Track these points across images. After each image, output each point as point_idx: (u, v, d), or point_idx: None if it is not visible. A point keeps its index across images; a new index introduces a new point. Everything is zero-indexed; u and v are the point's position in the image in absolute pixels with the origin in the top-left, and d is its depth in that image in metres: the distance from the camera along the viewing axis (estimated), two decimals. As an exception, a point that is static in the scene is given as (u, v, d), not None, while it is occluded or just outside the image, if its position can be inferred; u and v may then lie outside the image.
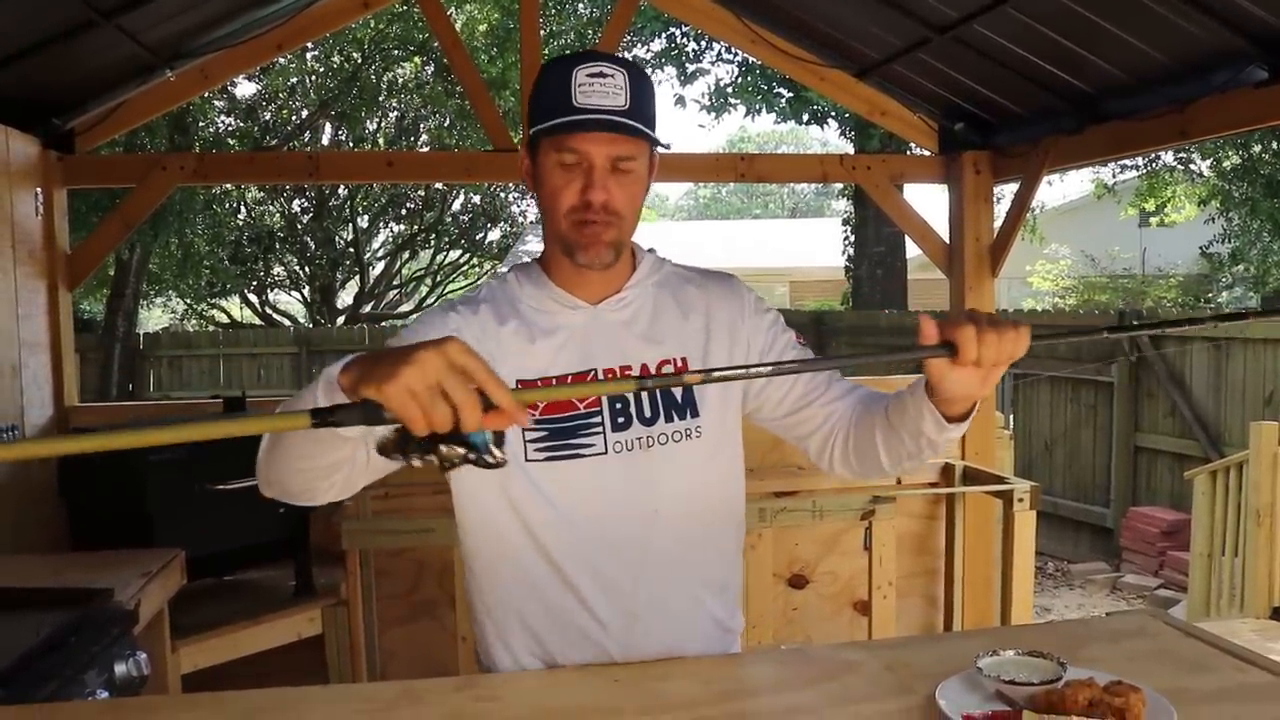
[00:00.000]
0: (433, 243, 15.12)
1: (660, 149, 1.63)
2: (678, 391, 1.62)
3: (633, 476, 1.57)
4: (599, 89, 1.51)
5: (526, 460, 1.56)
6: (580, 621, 1.58)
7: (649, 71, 13.69)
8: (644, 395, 1.61)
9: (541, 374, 1.58)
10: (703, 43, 12.82)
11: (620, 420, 1.58)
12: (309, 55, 11.95)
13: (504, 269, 2.04)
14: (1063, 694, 1.30)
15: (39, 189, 3.69)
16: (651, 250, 1.74)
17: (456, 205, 14.58)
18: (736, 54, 12.49)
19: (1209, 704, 1.38)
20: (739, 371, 1.55)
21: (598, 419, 1.58)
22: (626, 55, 12.92)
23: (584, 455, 1.57)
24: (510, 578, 1.60)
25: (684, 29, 12.58)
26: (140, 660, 2.16)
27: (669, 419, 1.60)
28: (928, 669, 1.46)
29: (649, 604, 1.59)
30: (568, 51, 11.62)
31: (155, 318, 19.04)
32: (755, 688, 1.45)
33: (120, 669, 2.09)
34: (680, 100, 13.60)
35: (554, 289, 1.64)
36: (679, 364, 1.63)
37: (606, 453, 1.57)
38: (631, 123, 1.52)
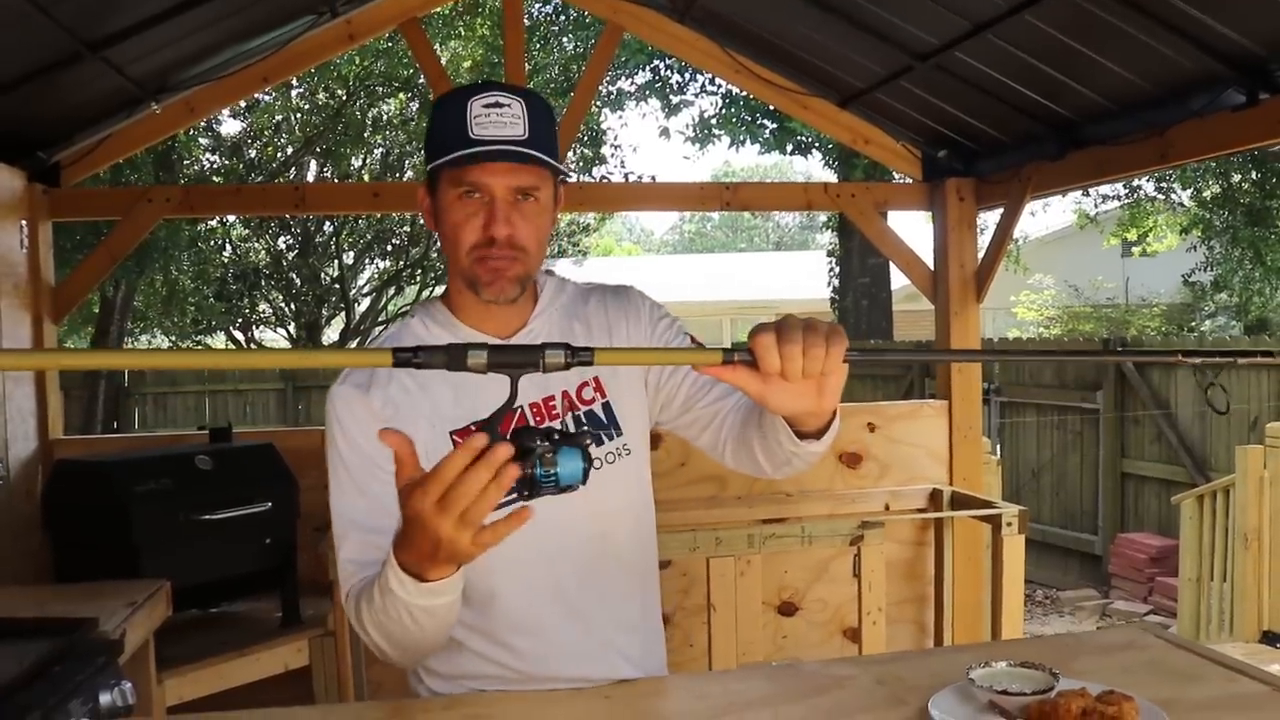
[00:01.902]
0: (418, 279, 15.11)
1: (564, 179, 1.60)
2: (600, 412, 1.62)
3: (576, 504, 1.46)
4: (495, 119, 1.47)
5: None
6: (543, 652, 1.58)
7: (633, 104, 13.80)
8: (570, 422, 1.59)
9: (470, 419, 1.51)
10: (687, 75, 12.91)
11: None
12: (294, 92, 11.98)
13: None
14: (1055, 703, 1.30)
15: (24, 221, 3.69)
16: (549, 272, 1.73)
17: (442, 241, 14.61)
18: (720, 86, 12.58)
19: (1201, 713, 1.38)
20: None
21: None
22: (611, 89, 13.01)
23: None
24: (480, 610, 1.59)
25: (668, 61, 12.67)
26: (125, 690, 2.13)
27: (599, 442, 1.59)
28: (919, 682, 1.46)
29: (614, 625, 1.61)
30: (551, 87, 11.74)
31: (140, 355, 18.94)
32: (748, 702, 1.44)
33: (105, 699, 2.06)
34: (665, 132, 13.69)
35: (462, 328, 1.61)
36: (594, 384, 1.63)
37: None
38: (530, 151, 1.48)
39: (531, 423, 1.54)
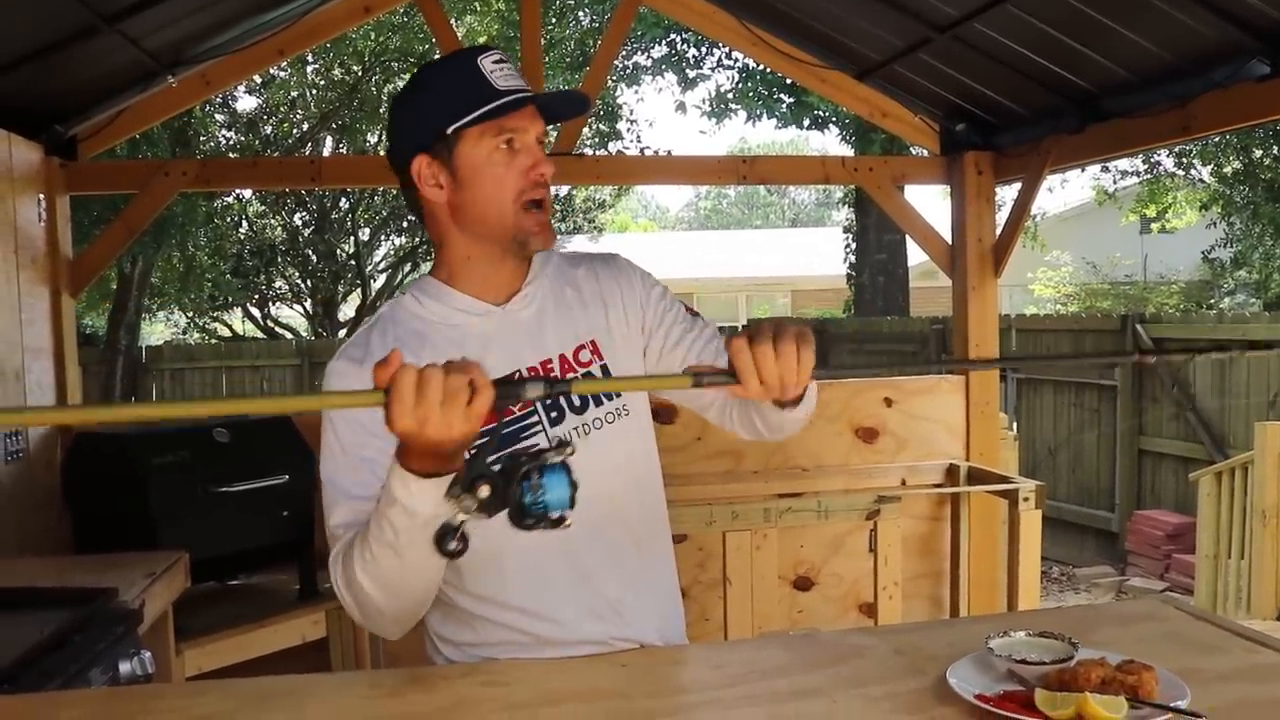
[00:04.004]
0: (434, 255, 15.14)
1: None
2: (598, 374, 1.63)
3: (579, 466, 1.48)
4: (509, 72, 1.53)
5: None
6: (553, 614, 1.58)
7: (649, 78, 13.74)
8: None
9: None
10: (703, 49, 12.85)
11: (554, 415, 1.59)
12: (309, 68, 11.96)
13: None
14: (1075, 673, 1.29)
15: (42, 195, 3.69)
16: None
17: (458, 217, 14.58)
18: (737, 60, 12.52)
19: (1221, 683, 1.37)
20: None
21: (535, 417, 1.58)
22: (627, 63, 12.95)
23: None
24: (487, 578, 1.59)
25: (684, 35, 12.61)
26: (145, 659, 2.15)
27: (597, 403, 1.62)
28: (937, 652, 1.46)
29: (621, 584, 1.61)
30: (567, 61, 11.69)
31: (157, 331, 19.04)
32: (766, 671, 1.44)
33: (125, 667, 2.08)
34: (681, 106, 13.64)
35: (460, 298, 1.62)
36: (591, 347, 1.64)
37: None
38: (553, 100, 1.57)
39: None
